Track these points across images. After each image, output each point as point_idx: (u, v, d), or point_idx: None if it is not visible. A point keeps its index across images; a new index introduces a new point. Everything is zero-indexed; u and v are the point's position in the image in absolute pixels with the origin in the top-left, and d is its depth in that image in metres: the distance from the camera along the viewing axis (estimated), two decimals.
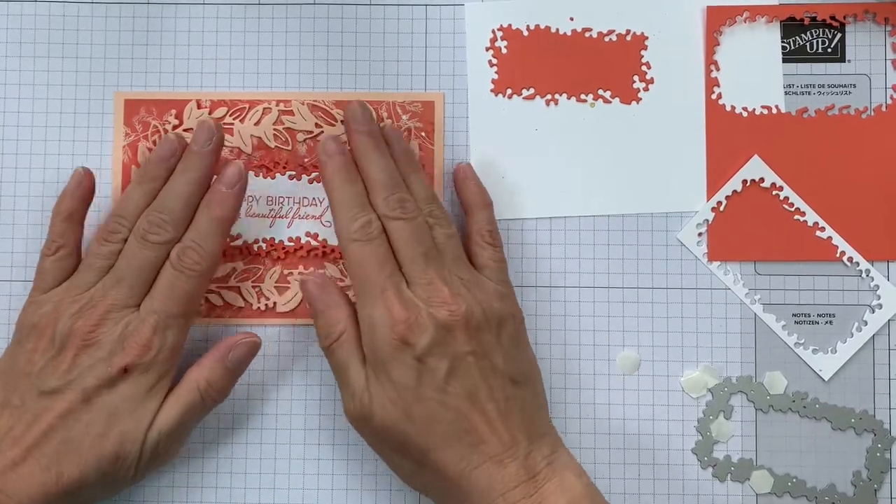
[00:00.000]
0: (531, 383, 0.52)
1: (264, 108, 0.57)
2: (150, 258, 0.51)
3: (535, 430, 0.50)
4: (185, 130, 0.57)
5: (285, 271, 0.57)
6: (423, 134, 0.57)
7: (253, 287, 0.56)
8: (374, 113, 0.55)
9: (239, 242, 0.56)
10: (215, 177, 0.53)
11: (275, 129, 0.57)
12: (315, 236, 0.56)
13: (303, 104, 0.57)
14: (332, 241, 0.56)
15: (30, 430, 0.50)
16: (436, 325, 0.49)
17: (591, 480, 0.50)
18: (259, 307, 0.56)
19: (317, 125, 0.57)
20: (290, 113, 0.57)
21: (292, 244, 0.56)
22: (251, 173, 0.56)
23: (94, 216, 0.56)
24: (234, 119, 0.57)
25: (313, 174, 0.56)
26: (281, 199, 0.57)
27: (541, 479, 0.48)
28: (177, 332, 0.51)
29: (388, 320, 0.50)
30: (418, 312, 0.50)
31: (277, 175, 0.57)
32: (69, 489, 0.49)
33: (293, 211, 0.56)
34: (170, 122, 0.57)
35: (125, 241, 0.52)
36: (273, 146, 0.57)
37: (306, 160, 0.57)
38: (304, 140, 0.57)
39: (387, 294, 0.50)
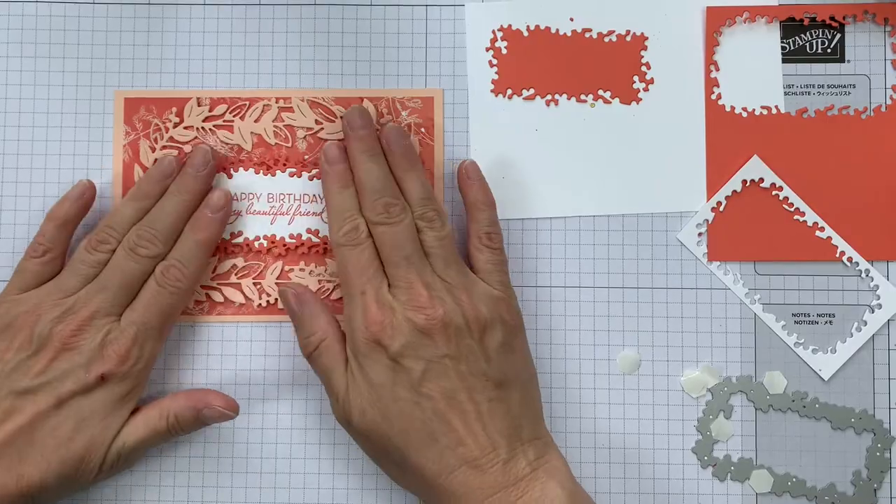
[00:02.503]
0: (519, 388, 0.51)
1: (264, 105, 0.57)
2: (136, 270, 0.53)
3: (519, 434, 0.50)
4: (185, 128, 0.57)
5: (286, 268, 0.57)
6: (422, 130, 0.57)
7: (254, 284, 0.57)
8: (372, 115, 0.56)
9: (240, 240, 0.56)
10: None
11: (275, 126, 0.57)
12: (316, 233, 0.56)
13: (302, 101, 0.57)
14: None
15: None
16: (411, 328, 0.50)
17: (578, 489, 0.49)
18: (260, 304, 0.56)
19: (317, 122, 0.57)
20: (290, 109, 0.57)
21: (293, 241, 0.56)
22: (252, 171, 0.56)
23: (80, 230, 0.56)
24: (234, 116, 0.57)
25: (314, 171, 0.56)
26: (282, 197, 0.57)
27: (522, 488, 0.48)
28: (154, 344, 0.53)
29: (362, 321, 0.51)
30: (394, 315, 0.50)
31: (278, 172, 0.57)
32: (27, 491, 0.50)
33: (294, 208, 0.56)
34: (171, 120, 0.57)
35: (112, 251, 0.53)
36: (273, 143, 0.57)
37: (306, 157, 0.57)
38: (305, 137, 0.57)
39: (365, 296, 0.51)
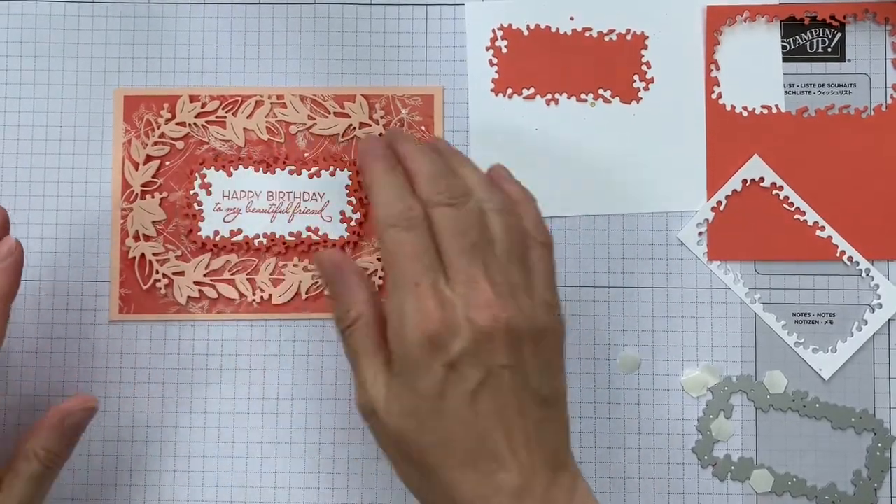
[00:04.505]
0: (560, 406, 0.46)
1: (256, 101, 0.57)
2: None
3: (557, 459, 0.45)
4: (177, 124, 0.57)
5: (280, 263, 0.56)
6: (422, 128, 0.57)
7: (248, 279, 0.56)
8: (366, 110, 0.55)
9: (239, 238, 0.56)
10: None
11: (267, 122, 0.57)
12: (316, 231, 0.56)
13: (295, 95, 0.57)
14: (333, 235, 0.56)
15: None
16: (473, 330, 0.43)
17: None
18: (254, 300, 0.56)
19: (309, 117, 0.57)
20: (283, 106, 0.57)
21: (293, 239, 0.56)
22: (251, 169, 0.56)
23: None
24: (226, 112, 0.57)
25: (314, 169, 0.56)
26: (281, 195, 0.56)
27: None
28: None
29: (418, 317, 0.43)
30: (454, 312, 0.43)
31: (277, 170, 0.57)
32: None
33: (294, 206, 0.56)
34: (163, 117, 0.57)
35: None
36: (265, 139, 0.57)
37: (306, 155, 0.57)
38: (302, 133, 0.57)
39: (420, 288, 0.43)
